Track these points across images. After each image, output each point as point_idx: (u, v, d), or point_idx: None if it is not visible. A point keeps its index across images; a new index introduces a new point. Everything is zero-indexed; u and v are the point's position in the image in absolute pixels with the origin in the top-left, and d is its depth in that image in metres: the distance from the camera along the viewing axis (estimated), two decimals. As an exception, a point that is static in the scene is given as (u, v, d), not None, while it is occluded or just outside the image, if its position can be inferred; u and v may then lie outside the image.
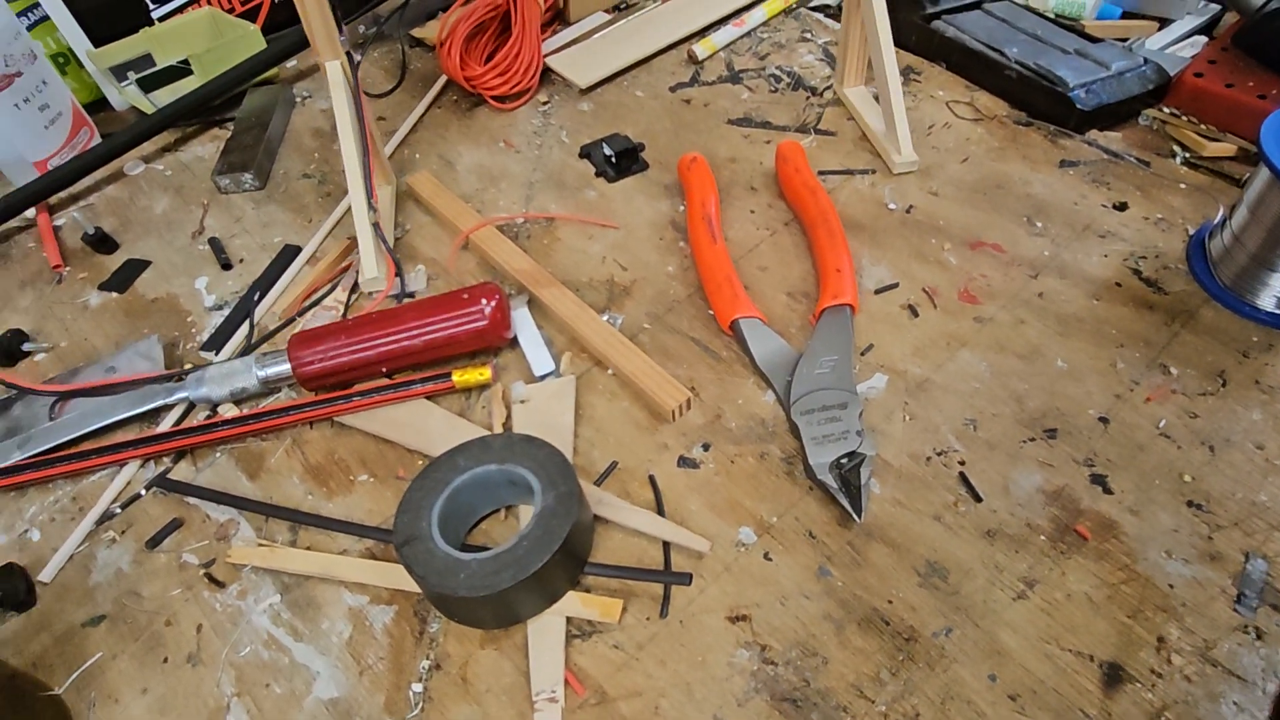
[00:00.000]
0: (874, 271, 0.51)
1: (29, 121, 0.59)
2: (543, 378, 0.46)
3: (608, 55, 0.68)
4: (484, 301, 0.45)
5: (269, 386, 0.47)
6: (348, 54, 0.52)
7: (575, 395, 0.45)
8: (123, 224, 0.60)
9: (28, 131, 0.59)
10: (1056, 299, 0.48)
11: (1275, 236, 0.44)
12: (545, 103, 0.66)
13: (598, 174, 0.59)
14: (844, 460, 0.40)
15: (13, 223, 0.60)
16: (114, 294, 0.55)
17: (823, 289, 0.48)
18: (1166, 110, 0.61)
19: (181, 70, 0.65)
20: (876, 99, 0.61)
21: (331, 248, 0.56)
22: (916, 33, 0.67)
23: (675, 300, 0.50)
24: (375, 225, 0.53)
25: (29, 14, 0.65)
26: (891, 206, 0.55)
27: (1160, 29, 0.68)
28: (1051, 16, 0.68)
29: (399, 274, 0.52)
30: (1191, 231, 0.51)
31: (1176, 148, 0.58)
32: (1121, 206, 0.53)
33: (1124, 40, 0.67)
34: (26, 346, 0.51)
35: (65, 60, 0.68)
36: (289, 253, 0.56)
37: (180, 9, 0.70)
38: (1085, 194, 0.54)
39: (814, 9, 0.74)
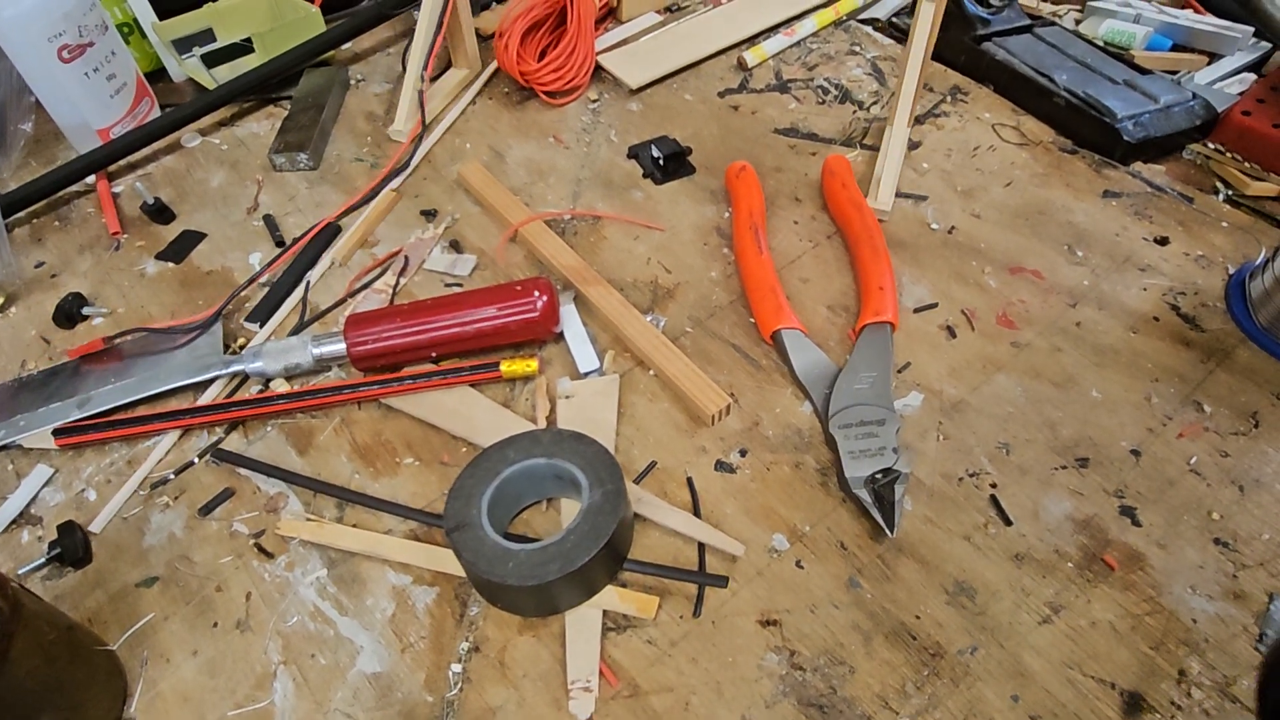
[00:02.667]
0: (914, 290, 0.52)
1: (96, 90, 0.60)
2: (587, 374, 0.47)
3: (659, 57, 0.69)
4: (536, 294, 0.47)
5: (321, 364, 0.48)
6: None
7: (618, 393, 0.46)
8: (179, 195, 0.61)
9: (94, 100, 0.60)
10: (1094, 329, 0.49)
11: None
12: (595, 100, 0.67)
13: (645, 175, 0.60)
14: (879, 476, 0.41)
15: (74, 188, 0.61)
16: (170, 264, 0.56)
17: (864, 305, 0.49)
18: (1211, 146, 0.61)
19: (244, 48, 0.67)
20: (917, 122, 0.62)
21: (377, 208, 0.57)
22: (966, 53, 0.67)
23: (717, 306, 0.51)
24: (420, 92, 0.63)
25: (97, -16, 0.66)
26: (934, 227, 0.56)
27: (1209, 63, 0.68)
28: (1101, 45, 0.69)
29: (421, 134, 0.62)
30: (1232, 270, 0.52)
31: (1219, 184, 0.59)
32: (1163, 241, 0.54)
33: (1173, 73, 0.67)
34: (86, 310, 0.53)
35: (130, 30, 0.69)
36: (331, 231, 0.57)
37: (242, -14, 0.71)
38: (1127, 226, 0.55)
39: (863, 21, 0.75)
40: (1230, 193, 0.58)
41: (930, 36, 0.56)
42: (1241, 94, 0.63)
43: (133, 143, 0.61)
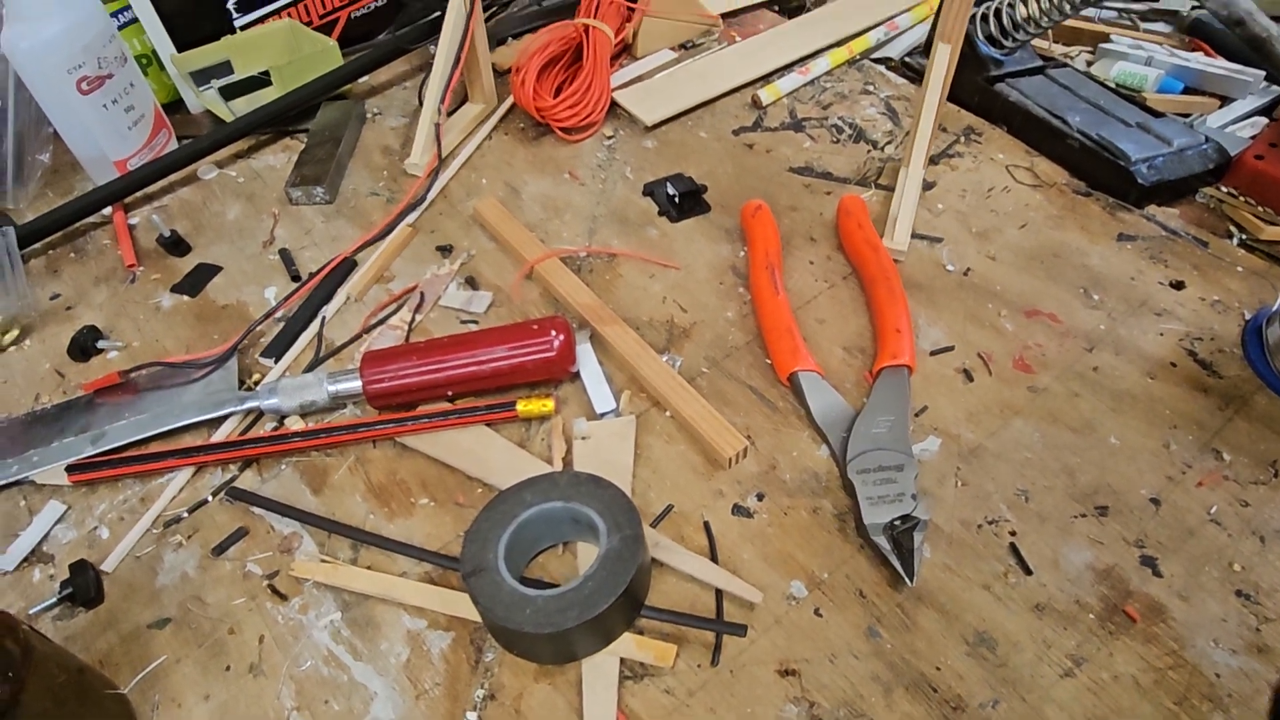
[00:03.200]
0: (930, 332, 0.52)
1: (114, 121, 0.61)
2: (603, 415, 0.47)
3: (674, 94, 0.70)
4: (553, 333, 0.47)
5: (336, 401, 0.48)
6: None
7: (635, 434, 0.46)
8: (195, 228, 0.62)
9: (112, 131, 0.61)
10: (1111, 374, 0.49)
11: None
12: (610, 137, 0.68)
13: (660, 213, 0.61)
14: (898, 522, 0.41)
15: (90, 219, 0.61)
16: (185, 297, 0.56)
17: (881, 347, 0.49)
18: (1225, 190, 0.61)
19: (261, 81, 0.67)
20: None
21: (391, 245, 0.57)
22: (979, 94, 0.68)
23: (734, 346, 0.51)
24: (437, 125, 0.63)
25: (120, 15, 0.67)
26: (950, 268, 0.56)
27: (1221, 106, 0.69)
28: (1113, 86, 0.69)
29: (437, 169, 0.63)
30: (1248, 316, 0.52)
31: (1233, 228, 0.59)
32: (1178, 285, 0.54)
33: (1185, 116, 0.68)
34: (100, 343, 0.53)
35: (148, 61, 0.70)
36: (347, 266, 0.57)
37: (261, 19, 0.72)
38: (1142, 270, 0.55)
39: (877, 60, 0.75)
40: (1244, 237, 0.58)
41: (946, 78, 0.56)
42: (1254, 137, 0.64)
43: (150, 175, 0.61)
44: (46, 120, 0.62)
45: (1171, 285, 0.54)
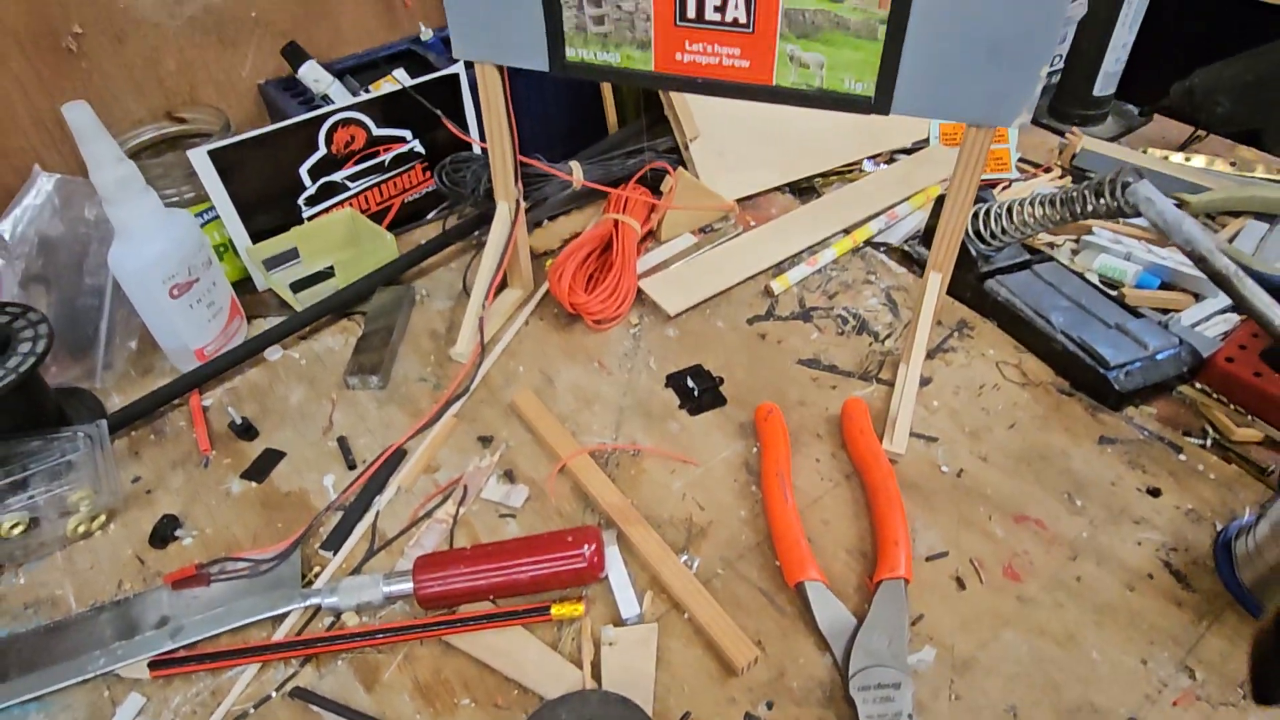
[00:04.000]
0: (926, 536, 0.57)
1: (197, 317, 0.68)
2: (628, 620, 0.52)
3: (693, 284, 0.77)
4: (585, 546, 0.52)
5: (389, 601, 0.53)
6: (517, 201, 0.70)
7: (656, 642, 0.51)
8: (262, 411, 0.68)
9: (194, 326, 0.69)
10: (1094, 584, 0.54)
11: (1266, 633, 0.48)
12: (636, 324, 0.75)
13: (680, 405, 0.67)
14: (895, 741, 0.45)
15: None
16: (253, 483, 0.63)
17: (880, 559, 0.54)
18: (1199, 387, 0.67)
19: (325, 274, 0.75)
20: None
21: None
22: (971, 290, 0.75)
23: (746, 547, 0.57)
24: (480, 319, 0.68)
25: (204, 214, 0.76)
26: (944, 470, 0.61)
27: (1196, 302, 0.75)
28: (1095, 281, 0.76)
29: (480, 359, 0.70)
30: (1219, 527, 0.56)
31: (1208, 426, 0.64)
32: (1155, 492, 0.59)
33: (1163, 311, 0.74)
34: (178, 532, 0.59)
35: (225, 249, 0.78)
36: (398, 456, 0.64)
37: (326, 210, 0.81)
38: (1122, 475, 0.60)
39: (878, 245, 0.83)
40: (1217, 437, 0.63)
41: (939, 303, 0.63)
42: (1225, 336, 0.70)
43: (226, 364, 0.69)
44: (136, 312, 0.69)
45: (1149, 492, 0.59)
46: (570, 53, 0.59)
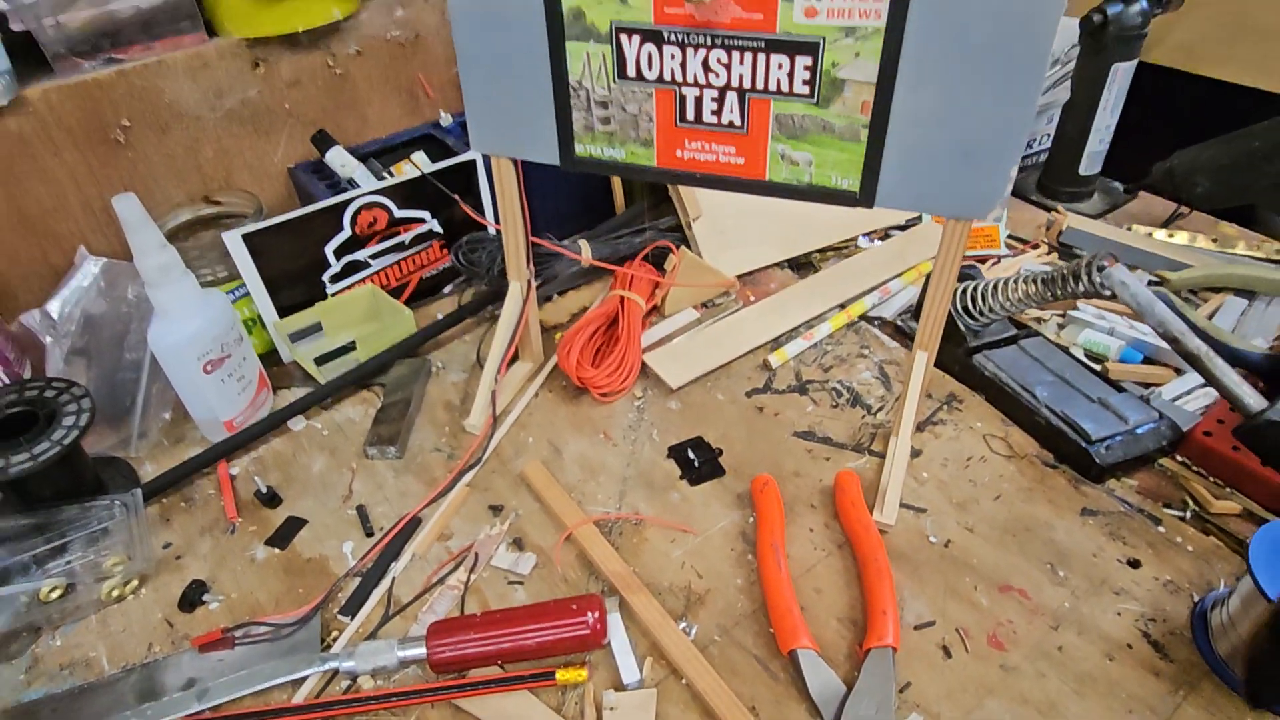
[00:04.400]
0: (914, 605, 0.59)
1: (228, 391, 0.73)
2: (629, 684, 0.55)
3: (695, 357, 0.81)
4: (589, 614, 0.55)
5: (403, 665, 0.56)
6: (529, 280, 0.75)
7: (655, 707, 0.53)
8: (286, 479, 0.72)
9: (225, 399, 0.73)
10: (1075, 654, 0.56)
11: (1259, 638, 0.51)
12: (640, 397, 0.79)
13: (681, 476, 0.70)
14: (882, 808, 0.47)
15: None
16: (276, 550, 0.66)
17: (870, 627, 0.56)
18: (1179, 460, 0.70)
19: (347, 349, 0.80)
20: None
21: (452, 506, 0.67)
22: (959, 364, 0.78)
23: (742, 615, 0.59)
24: (493, 393, 0.73)
25: (235, 291, 0.81)
26: (932, 540, 0.64)
27: (1178, 376, 0.78)
28: (1080, 354, 0.79)
29: (492, 430, 0.73)
30: (1196, 598, 0.59)
31: (1188, 498, 0.67)
32: (1135, 563, 0.61)
33: (1145, 386, 0.77)
34: (205, 597, 0.62)
35: (253, 323, 0.83)
36: (413, 524, 0.67)
37: (348, 286, 0.86)
38: (1103, 546, 0.63)
39: (871, 320, 0.87)
40: (1196, 509, 0.66)
41: (925, 377, 0.66)
42: (1204, 412, 0.73)
43: (254, 434, 0.73)
44: (171, 385, 0.74)
45: (1129, 563, 0.62)
46: (579, 149, 0.64)
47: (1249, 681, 0.43)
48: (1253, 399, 0.61)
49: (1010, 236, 0.98)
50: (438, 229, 0.89)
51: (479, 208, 0.89)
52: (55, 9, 0.73)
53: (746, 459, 0.72)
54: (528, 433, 0.75)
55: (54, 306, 0.72)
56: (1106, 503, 0.66)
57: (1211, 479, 0.68)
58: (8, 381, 0.72)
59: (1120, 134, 1.01)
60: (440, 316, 0.87)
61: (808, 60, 0.53)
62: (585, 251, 0.85)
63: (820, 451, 0.72)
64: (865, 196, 0.58)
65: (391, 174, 0.92)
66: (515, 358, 0.82)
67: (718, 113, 0.59)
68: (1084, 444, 0.68)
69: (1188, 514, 0.65)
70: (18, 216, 0.79)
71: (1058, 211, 0.98)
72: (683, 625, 0.59)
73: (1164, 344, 0.79)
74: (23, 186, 0.78)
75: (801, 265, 0.96)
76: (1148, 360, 0.80)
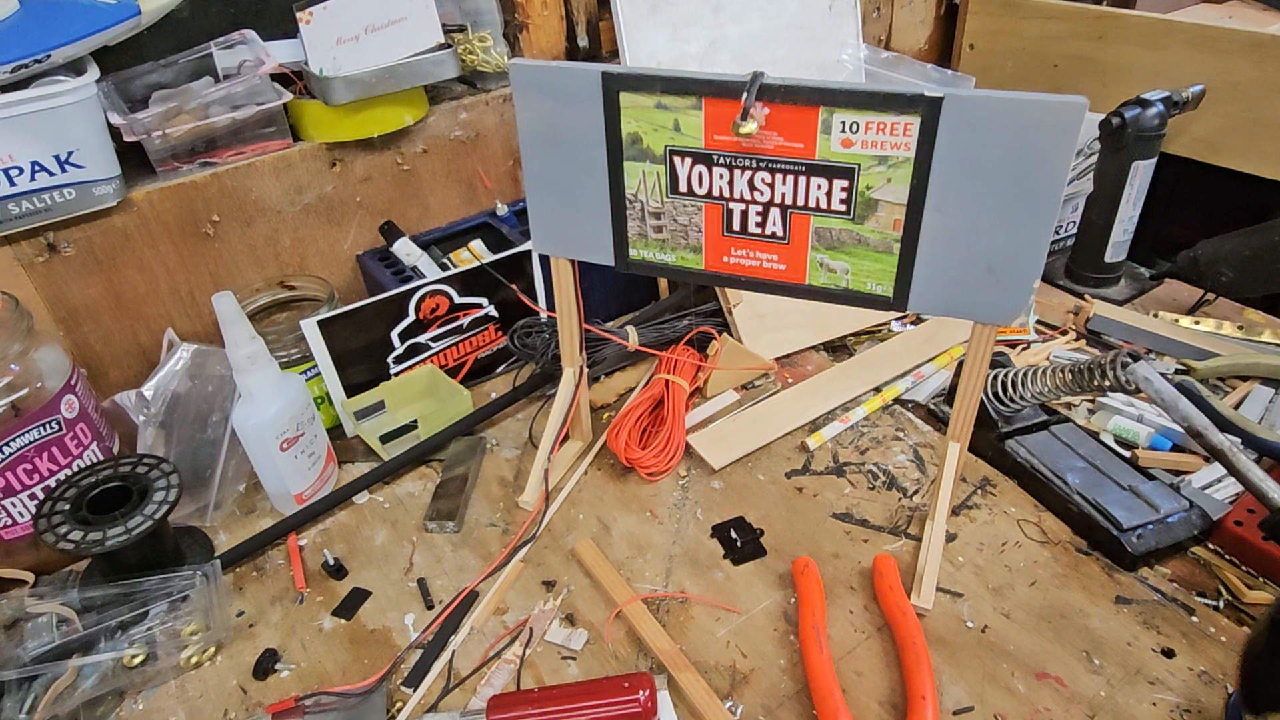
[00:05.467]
0: (953, 691, 0.62)
1: (300, 466, 0.78)
2: (678, 763, 0.58)
3: (736, 439, 0.85)
4: (641, 692, 0.58)
5: (463, 738, 0.59)
6: (581, 367, 0.80)
7: (704, 785, 0.56)
8: (350, 550, 0.77)
9: (297, 473, 0.78)
10: (1111, 743, 0.58)
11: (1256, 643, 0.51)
12: (684, 476, 0.82)
13: (725, 555, 0.74)
14: None
15: (271, 542, 0.78)
16: (343, 620, 0.70)
17: (910, 712, 0.58)
18: (1212, 548, 0.72)
19: (409, 427, 0.85)
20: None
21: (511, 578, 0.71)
22: (992, 449, 0.81)
23: (785, 696, 0.62)
24: (546, 471, 0.77)
25: (308, 371, 0.87)
26: (969, 625, 0.66)
27: (1207, 464, 0.80)
28: (1110, 440, 0.82)
29: (544, 506, 0.77)
30: (1231, 690, 0.60)
31: (1221, 587, 0.68)
32: (1169, 653, 0.63)
33: (1174, 473, 0.79)
34: (277, 665, 0.66)
35: (321, 400, 0.89)
36: (471, 598, 0.71)
37: (409, 366, 0.92)
38: (1137, 635, 0.65)
39: (905, 403, 0.90)
40: (1230, 598, 0.67)
41: (958, 466, 0.70)
42: (1233, 499, 0.75)
43: (322, 508, 0.78)
44: (248, 460, 0.80)
45: (1163, 653, 0.63)
46: (633, 253, 0.70)
47: (1246, 687, 0.44)
48: (1277, 494, 0.63)
49: (1039, 322, 1.02)
50: (494, 313, 0.95)
51: (532, 293, 0.95)
52: (163, 122, 0.81)
53: (787, 539, 0.75)
54: (578, 509, 0.80)
55: (149, 389, 0.78)
56: (1140, 591, 0.68)
57: (1244, 568, 0.70)
58: (101, 457, 0.78)
59: (1145, 218, 1.05)
60: (494, 396, 0.92)
61: (844, 183, 0.58)
62: (632, 337, 0.90)
63: (858, 533, 0.75)
64: (898, 302, 0.63)
65: (451, 261, 0.99)
66: (566, 437, 0.87)
67: (761, 225, 0.64)
68: (1115, 532, 0.70)
69: (1221, 603, 0.67)
70: (115, 302, 0.87)
71: (1085, 299, 1.02)
72: (729, 704, 0.61)
73: (1192, 434, 0.82)
74: (121, 275, 0.86)
75: (836, 348, 1.00)
76: (1176, 448, 0.82)
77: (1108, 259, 1.06)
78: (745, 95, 0.57)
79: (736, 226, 0.65)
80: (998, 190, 0.54)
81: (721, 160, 0.61)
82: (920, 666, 0.61)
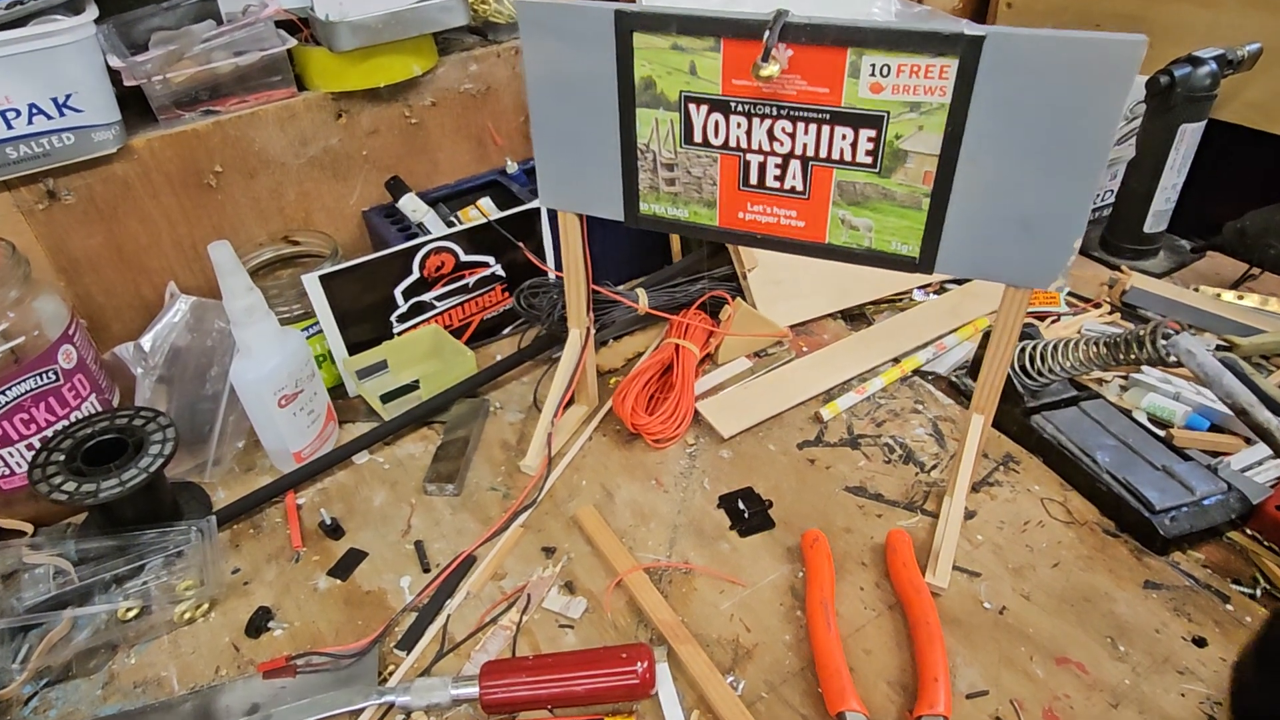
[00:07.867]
0: (967, 673, 0.59)
1: (299, 424, 0.76)
2: (675, 738, 0.55)
3: (748, 407, 0.82)
4: (639, 664, 0.56)
5: (455, 703, 0.58)
6: (588, 328, 0.77)
7: (701, 762, 0.54)
8: (348, 511, 0.75)
9: (296, 431, 0.76)
10: (1133, 734, 0.54)
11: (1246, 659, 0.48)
12: (692, 444, 0.80)
13: (731, 527, 0.71)
14: None
15: (267, 500, 0.76)
16: (338, 580, 0.69)
17: (920, 694, 0.56)
18: (1249, 533, 0.68)
19: (411, 387, 0.83)
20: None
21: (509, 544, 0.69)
22: (1017, 424, 0.77)
23: (790, 672, 0.59)
24: (549, 435, 0.75)
25: (309, 328, 0.85)
26: (986, 606, 0.63)
27: (1248, 445, 0.76)
28: (1143, 419, 0.78)
29: (547, 471, 0.75)
30: (1264, 683, 0.57)
31: (1258, 574, 0.65)
32: (1200, 642, 0.60)
33: (1212, 455, 0.75)
34: (270, 624, 0.65)
35: (323, 359, 0.87)
36: (468, 562, 0.69)
37: (413, 325, 0.90)
38: (1166, 622, 0.61)
39: (925, 375, 0.87)
40: (1268, 586, 0.64)
41: (981, 439, 0.66)
42: (1275, 482, 0.71)
43: (321, 466, 0.76)
44: (247, 416, 0.78)
45: (1194, 641, 0.60)
46: (644, 207, 0.66)
47: (1235, 698, 0.41)
48: (1326, 477, 0.59)
49: (1071, 294, 0.97)
50: (501, 273, 0.92)
51: (540, 253, 0.92)
52: (164, 67, 0.78)
53: (797, 512, 0.72)
54: (581, 475, 0.77)
55: (146, 341, 0.76)
56: (1171, 576, 0.64)
57: (1283, 555, 0.66)
58: (99, 409, 0.76)
59: (1188, 190, 0.99)
60: (499, 358, 0.89)
61: (871, 132, 0.54)
62: (642, 300, 0.87)
63: (872, 508, 0.72)
64: (925, 263, 0.59)
65: (459, 219, 0.96)
66: (571, 401, 0.84)
67: (780, 178, 0.60)
68: (1147, 514, 0.67)
69: (1258, 592, 0.63)
70: (116, 253, 0.85)
71: (1121, 270, 0.97)
72: (730, 679, 0.59)
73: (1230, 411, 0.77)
74: (122, 226, 0.84)
75: (854, 317, 0.96)
76: (1215, 428, 0.78)
77: (1147, 229, 1.01)
78: (767, 34, 0.53)
79: (754, 180, 0.61)
80: (1040, 140, 0.50)
81: (739, 108, 0.57)
82: (933, 647, 0.58)
